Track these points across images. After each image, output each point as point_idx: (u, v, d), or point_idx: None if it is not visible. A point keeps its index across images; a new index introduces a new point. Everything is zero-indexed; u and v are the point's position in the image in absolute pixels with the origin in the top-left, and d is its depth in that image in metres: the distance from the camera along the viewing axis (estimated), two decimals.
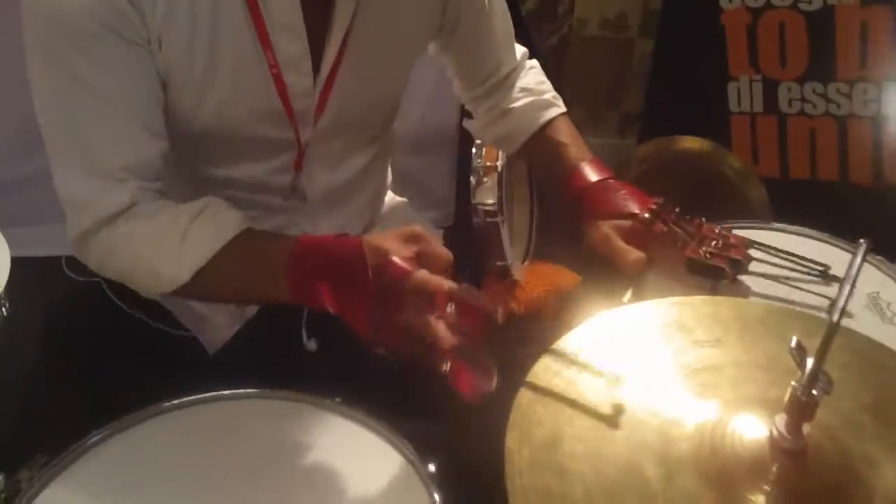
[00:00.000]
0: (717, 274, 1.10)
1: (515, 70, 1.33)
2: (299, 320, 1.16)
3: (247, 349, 1.18)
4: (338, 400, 1.01)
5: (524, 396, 0.80)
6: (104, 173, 0.99)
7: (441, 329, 0.84)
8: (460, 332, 0.84)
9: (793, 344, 0.71)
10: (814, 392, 0.69)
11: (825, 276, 1.15)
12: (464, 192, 1.29)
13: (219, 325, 1.19)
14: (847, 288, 0.66)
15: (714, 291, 1.10)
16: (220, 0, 0.98)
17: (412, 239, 0.92)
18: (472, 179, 1.34)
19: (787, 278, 1.14)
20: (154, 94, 1.01)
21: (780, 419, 0.72)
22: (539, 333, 0.88)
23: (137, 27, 0.95)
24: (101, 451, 0.97)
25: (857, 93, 1.99)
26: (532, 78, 1.34)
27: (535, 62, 1.36)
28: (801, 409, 0.70)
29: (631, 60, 2.55)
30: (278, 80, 1.04)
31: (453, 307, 0.86)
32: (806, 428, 0.71)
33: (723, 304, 0.91)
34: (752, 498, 0.70)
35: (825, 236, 1.29)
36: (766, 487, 0.71)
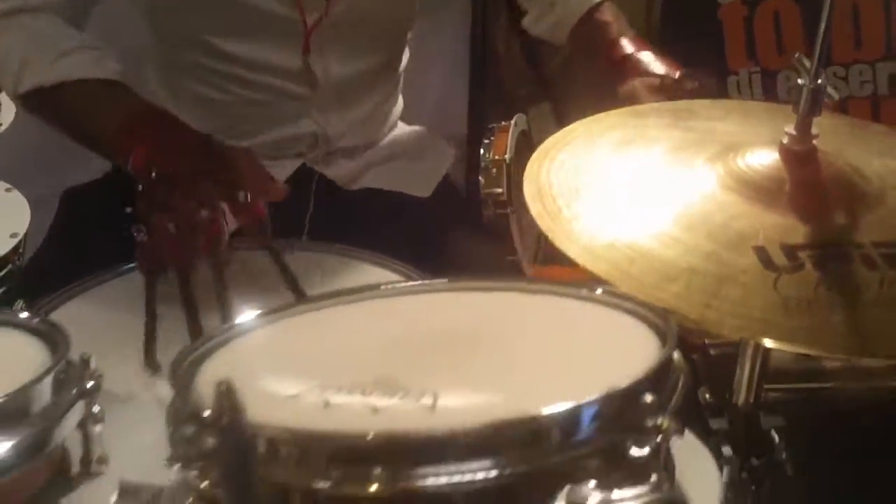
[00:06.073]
0: None
1: None
2: None
3: None
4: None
5: None
6: None
7: None
8: None
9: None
10: (819, 81, 0.72)
11: None
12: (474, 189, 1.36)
13: None
14: None
15: None
16: None
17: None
18: (481, 175, 1.38)
19: None
20: None
21: (789, 126, 0.74)
22: None
23: None
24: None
25: (853, 74, 2.04)
26: None
27: None
28: (810, 104, 0.72)
29: None
30: None
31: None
32: (814, 129, 0.74)
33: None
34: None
35: None
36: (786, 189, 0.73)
